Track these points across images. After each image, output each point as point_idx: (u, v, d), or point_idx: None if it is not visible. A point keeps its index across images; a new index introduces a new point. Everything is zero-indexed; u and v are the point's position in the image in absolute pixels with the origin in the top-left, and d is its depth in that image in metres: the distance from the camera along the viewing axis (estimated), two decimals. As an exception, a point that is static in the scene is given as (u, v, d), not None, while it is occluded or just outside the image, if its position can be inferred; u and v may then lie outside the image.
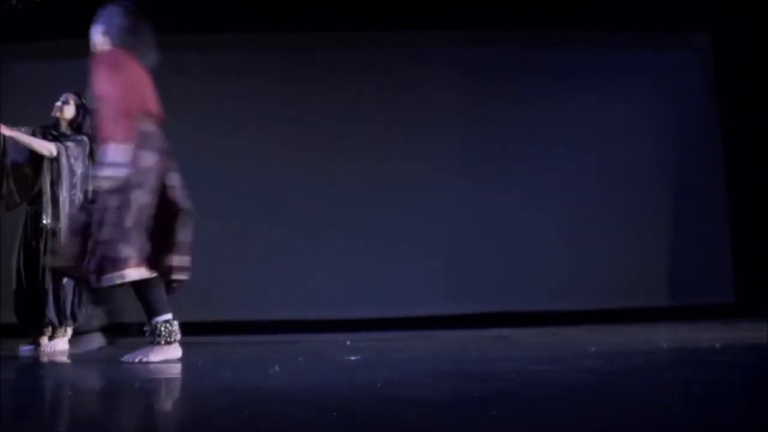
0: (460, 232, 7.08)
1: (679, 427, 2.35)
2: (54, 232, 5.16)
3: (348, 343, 5.37)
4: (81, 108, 5.40)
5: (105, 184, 4.01)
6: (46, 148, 5.20)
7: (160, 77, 7.12)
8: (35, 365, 4.57)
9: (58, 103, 5.35)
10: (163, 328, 4.25)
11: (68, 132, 5.38)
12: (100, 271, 4.04)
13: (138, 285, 4.21)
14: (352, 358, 4.29)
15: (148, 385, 3.37)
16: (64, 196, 5.17)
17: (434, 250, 7.03)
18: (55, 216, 5.17)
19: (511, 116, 7.24)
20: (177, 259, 4.22)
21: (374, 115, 7.16)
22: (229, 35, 7.16)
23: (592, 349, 4.45)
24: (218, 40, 7.16)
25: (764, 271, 6.94)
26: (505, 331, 5.95)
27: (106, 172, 3.98)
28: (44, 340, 5.22)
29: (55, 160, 5.18)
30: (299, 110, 7.06)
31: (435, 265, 7.01)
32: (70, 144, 5.26)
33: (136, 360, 4.24)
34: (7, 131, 5.10)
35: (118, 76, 4.11)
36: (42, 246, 5.17)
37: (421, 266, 6.98)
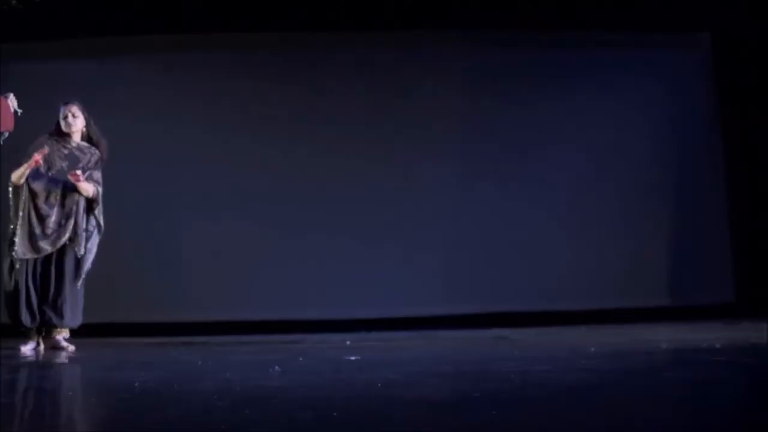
0: (459, 232, 7.06)
1: (679, 426, 2.35)
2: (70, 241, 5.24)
3: (348, 343, 5.37)
4: (87, 115, 5.40)
5: None
6: (87, 191, 5.27)
7: (160, 77, 7.15)
8: (37, 365, 4.57)
9: (69, 119, 5.32)
10: None
11: (82, 143, 5.38)
12: None
13: None
14: (352, 358, 4.29)
15: (148, 384, 3.37)
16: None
17: (434, 250, 7.02)
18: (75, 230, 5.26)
19: (511, 116, 7.23)
20: None
21: (374, 115, 7.15)
22: (229, 35, 7.15)
23: (592, 349, 4.45)
24: (218, 40, 7.15)
25: (764, 271, 6.93)
26: (505, 331, 5.95)
27: None
28: (41, 339, 5.23)
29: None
30: (300, 110, 7.04)
31: (435, 265, 7.00)
32: (96, 173, 5.32)
33: None
34: (84, 184, 5.20)
35: None
36: (54, 253, 5.20)
37: (420, 266, 6.97)
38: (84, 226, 5.29)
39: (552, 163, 7.15)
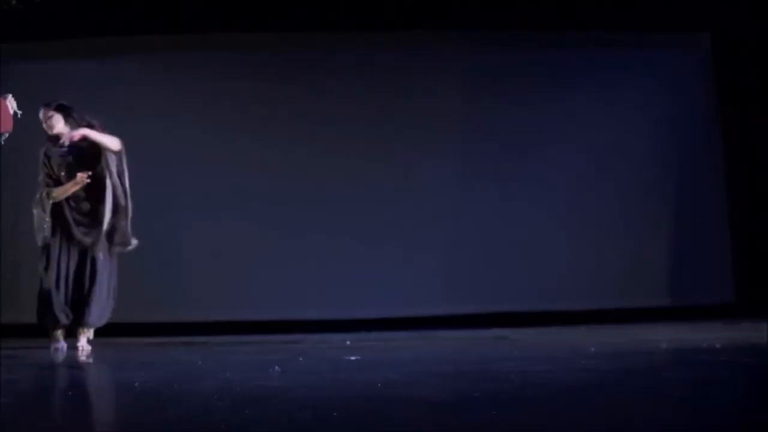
0: (460, 232, 7.06)
1: (679, 426, 2.35)
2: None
3: (348, 343, 5.37)
4: (61, 110, 5.40)
5: None
6: (114, 143, 5.36)
7: (160, 77, 7.15)
8: (37, 366, 4.57)
9: (45, 125, 5.35)
10: None
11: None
12: None
13: None
14: (352, 358, 4.29)
15: (148, 384, 3.37)
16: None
17: (434, 250, 7.02)
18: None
19: (511, 116, 7.22)
20: None
21: (374, 115, 7.14)
22: (229, 35, 7.15)
23: (592, 349, 4.45)
24: (218, 40, 7.15)
25: (764, 271, 6.92)
26: (505, 331, 5.95)
27: None
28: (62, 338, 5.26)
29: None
30: (300, 110, 7.03)
31: (435, 265, 7.00)
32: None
33: None
34: (96, 135, 5.28)
35: None
36: (88, 252, 5.27)
37: (420, 266, 6.96)
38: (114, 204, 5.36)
39: (552, 163, 7.14)
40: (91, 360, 4.79)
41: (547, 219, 7.06)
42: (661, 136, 7.34)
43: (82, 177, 5.22)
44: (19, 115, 4.88)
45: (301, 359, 4.37)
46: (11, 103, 4.84)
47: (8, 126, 4.84)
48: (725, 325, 5.98)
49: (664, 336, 5.28)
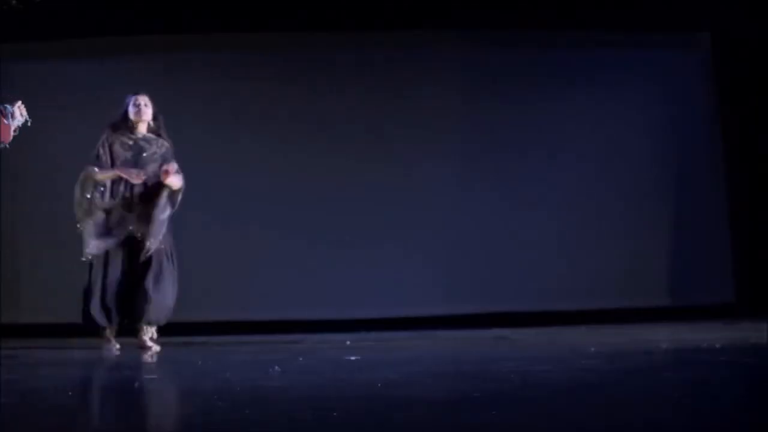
0: (460, 232, 7.06)
1: (679, 426, 2.35)
2: (141, 237, 5.16)
3: (348, 343, 5.37)
4: (155, 109, 5.36)
5: None
6: (175, 185, 5.22)
7: (160, 77, 7.15)
8: (36, 366, 4.57)
9: (141, 107, 5.27)
10: None
11: (147, 135, 5.32)
12: None
13: None
14: (352, 358, 4.29)
15: (149, 384, 3.37)
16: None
17: (434, 250, 7.02)
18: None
19: (511, 116, 7.23)
20: None
21: (374, 115, 7.14)
22: (229, 35, 7.16)
23: (592, 349, 4.46)
24: (218, 40, 7.15)
25: (764, 271, 6.93)
26: (505, 331, 5.95)
27: None
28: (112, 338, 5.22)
29: None
30: (299, 111, 7.04)
31: (435, 265, 7.00)
32: (175, 163, 5.23)
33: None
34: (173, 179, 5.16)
35: None
36: (129, 249, 5.16)
37: (421, 266, 6.97)
38: (160, 216, 5.20)
39: (552, 163, 7.15)
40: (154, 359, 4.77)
41: (547, 219, 7.06)
42: (661, 136, 7.34)
43: (139, 177, 5.10)
44: (29, 123, 4.82)
45: (301, 359, 4.37)
46: (21, 110, 4.75)
47: (7, 138, 4.79)
48: (725, 325, 5.98)
49: (664, 336, 5.29)
